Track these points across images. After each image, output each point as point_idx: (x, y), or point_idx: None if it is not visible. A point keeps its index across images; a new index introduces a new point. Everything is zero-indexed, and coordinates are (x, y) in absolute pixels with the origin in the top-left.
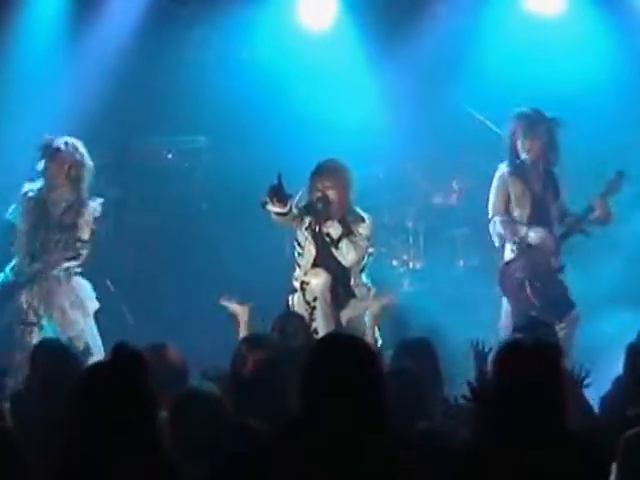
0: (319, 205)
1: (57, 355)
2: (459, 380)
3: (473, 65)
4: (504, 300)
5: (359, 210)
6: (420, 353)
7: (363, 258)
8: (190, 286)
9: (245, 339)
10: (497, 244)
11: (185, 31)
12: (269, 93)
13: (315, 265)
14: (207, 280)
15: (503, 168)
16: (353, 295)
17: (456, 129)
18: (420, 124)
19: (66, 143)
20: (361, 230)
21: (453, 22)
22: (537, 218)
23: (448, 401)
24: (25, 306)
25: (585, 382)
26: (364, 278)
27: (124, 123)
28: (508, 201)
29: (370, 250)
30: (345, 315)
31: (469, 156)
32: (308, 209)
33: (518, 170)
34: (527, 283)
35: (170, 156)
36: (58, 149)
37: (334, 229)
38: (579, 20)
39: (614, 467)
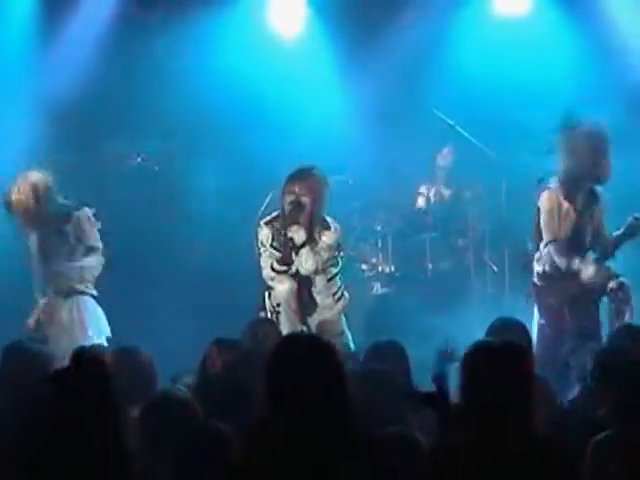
0: (289, 208)
1: (26, 359)
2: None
3: (443, 69)
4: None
5: (329, 219)
6: (390, 356)
7: (326, 267)
8: (160, 288)
9: (215, 341)
10: (538, 269)
11: (154, 37)
12: (239, 97)
13: (285, 263)
14: (178, 282)
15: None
16: (316, 303)
17: (426, 134)
18: (390, 129)
19: (18, 190)
20: (325, 239)
21: (422, 26)
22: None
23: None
24: None
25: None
26: (334, 286)
27: (94, 127)
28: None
29: (341, 254)
30: (314, 320)
31: (445, 153)
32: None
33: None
34: (565, 309)
35: (140, 160)
36: (10, 203)
37: (298, 235)
38: (546, 20)
39: (584, 469)
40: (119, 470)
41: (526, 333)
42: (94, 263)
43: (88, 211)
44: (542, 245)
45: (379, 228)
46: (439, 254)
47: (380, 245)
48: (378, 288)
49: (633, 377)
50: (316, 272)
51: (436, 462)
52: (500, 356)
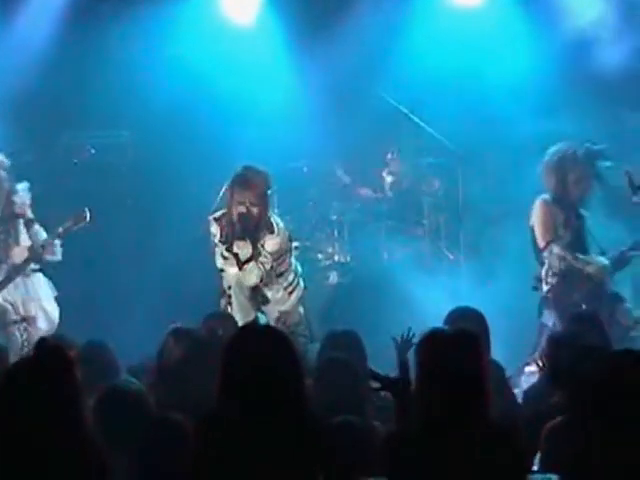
0: (239, 221)
1: None
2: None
3: (397, 58)
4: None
5: (274, 219)
6: (347, 345)
7: (271, 273)
8: (115, 280)
9: (172, 332)
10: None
11: (107, 26)
12: (192, 87)
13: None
14: (132, 275)
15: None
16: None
17: (380, 122)
18: (345, 117)
19: None
20: (268, 247)
21: (377, 14)
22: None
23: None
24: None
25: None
26: (285, 281)
27: (47, 118)
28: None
29: (295, 246)
30: (272, 312)
31: (393, 149)
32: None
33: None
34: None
35: (94, 151)
36: None
37: (243, 252)
38: (499, 9)
39: (537, 455)
40: (80, 459)
41: (482, 321)
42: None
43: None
44: (546, 251)
45: (334, 217)
46: (395, 243)
47: (336, 234)
48: (334, 277)
49: (583, 364)
50: (261, 281)
51: (392, 448)
52: (453, 344)
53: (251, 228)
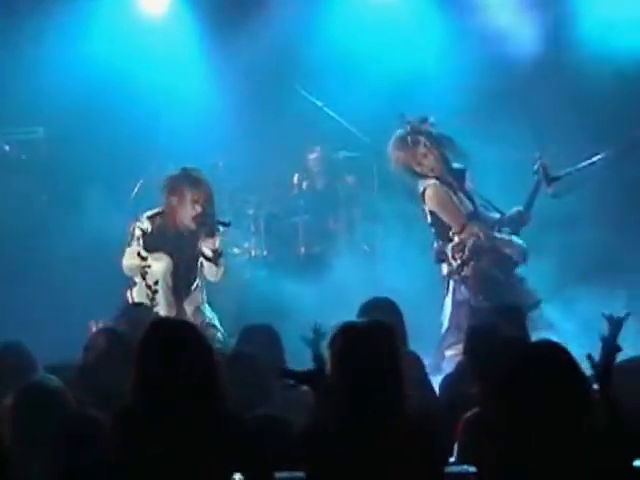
0: (199, 220)
1: None
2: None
3: (311, 50)
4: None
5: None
6: (263, 339)
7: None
8: (30, 277)
9: (93, 329)
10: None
11: (21, 22)
12: (107, 82)
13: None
14: (47, 272)
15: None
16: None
17: (296, 115)
18: (260, 110)
19: None
20: (216, 247)
21: (290, 7)
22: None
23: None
24: None
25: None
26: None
27: None
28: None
29: None
30: (189, 307)
31: (310, 143)
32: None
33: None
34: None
35: (7, 148)
36: None
37: (214, 246)
38: (415, 3)
39: (456, 446)
40: None
41: (397, 311)
42: None
43: None
44: (460, 232)
45: (251, 212)
46: (312, 237)
47: (252, 229)
48: (251, 272)
49: (500, 356)
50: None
51: (309, 442)
52: (366, 336)
53: (212, 225)
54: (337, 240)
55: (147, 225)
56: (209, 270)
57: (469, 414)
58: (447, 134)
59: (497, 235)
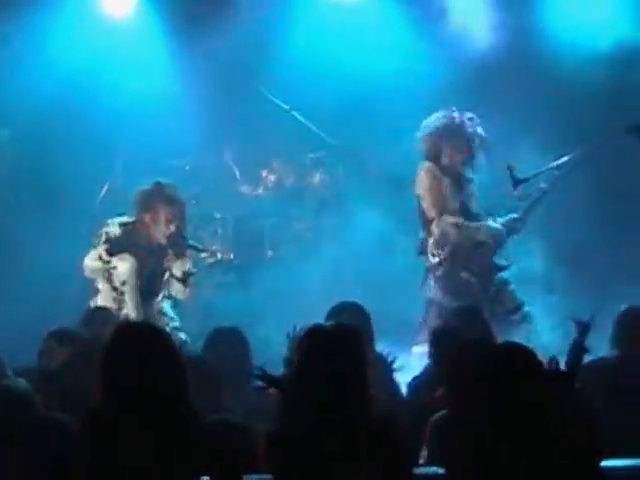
0: (173, 239)
1: None
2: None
3: (276, 53)
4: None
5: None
6: (230, 343)
7: None
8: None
9: (52, 333)
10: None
11: None
12: (72, 84)
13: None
14: (16, 275)
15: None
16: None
17: (263, 119)
18: (227, 113)
19: None
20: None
21: (256, 9)
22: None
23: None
24: None
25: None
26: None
27: None
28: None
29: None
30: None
31: (277, 146)
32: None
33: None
34: (475, 281)
35: None
36: None
37: (184, 268)
38: (379, 6)
39: (424, 448)
40: None
41: (364, 315)
42: None
43: None
44: (436, 221)
45: (218, 215)
46: (279, 240)
47: (219, 232)
48: (218, 276)
49: (465, 358)
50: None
51: (273, 447)
52: (332, 340)
53: (184, 246)
54: (304, 242)
55: (117, 231)
56: (177, 289)
57: (437, 416)
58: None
59: (471, 224)
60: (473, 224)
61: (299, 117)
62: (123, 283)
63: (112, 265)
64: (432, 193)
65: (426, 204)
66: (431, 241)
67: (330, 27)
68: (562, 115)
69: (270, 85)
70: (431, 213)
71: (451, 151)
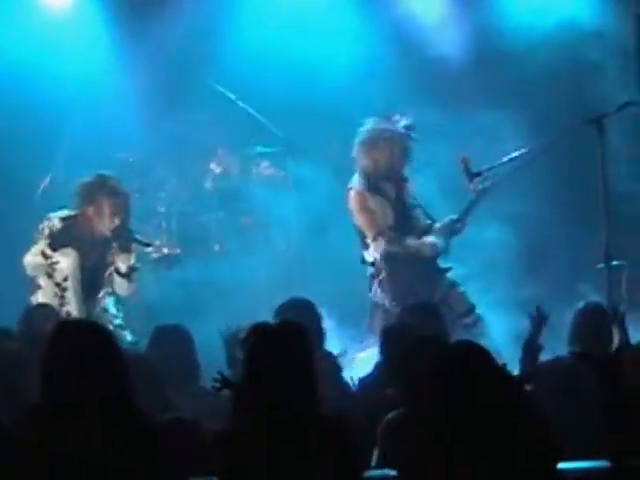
0: (117, 232)
1: None
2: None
3: (223, 43)
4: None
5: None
6: (175, 341)
7: None
8: None
9: None
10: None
11: None
12: (13, 77)
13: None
14: None
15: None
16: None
17: (209, 110)
18: (171, 105)
19: None
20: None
21: (202, 1)
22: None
23: (204, 389)
24: None
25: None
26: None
27: None
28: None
29: None
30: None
31: (224, 137)
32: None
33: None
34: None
35: None
36: None
37: (129, 262)
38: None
39: (375, 449)
40: None
41: (314, 312)
42: None
43: None
44: (371, 242)
45: (162, 209)
46: (226, 234)
47: (164, 226)
48: (163, 271)
49: (416, 357)
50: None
51: (221, 448)
52: (278, 337)
53: (129, 240)
54: (253, 237)
55: (58, 225)
56: (120, 284)
57: (389, 416)
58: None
59: (410, 242)
60: (411, 244)
61: (247, 108)
62: (65, 279)
63: (54, 260)
64: (363, 214)
65: (360, 223)
66: (367, 251)
67: (277, 17)
68: (522, 108)
69: (216, 75)
70: (367, 232)
71: (385, 158)
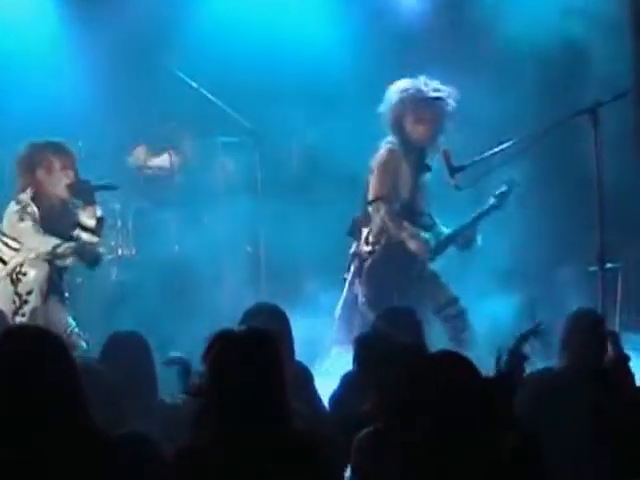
0: (77, 187)
1: None
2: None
3: (186, 28)
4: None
5: None
6: (130, 349)
7: None
8: None
9: None
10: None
11: None
12: None
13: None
14: None
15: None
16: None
17: (170, 97)
18: (127, 91)
19: None
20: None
21: None
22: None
23: (164, 402)
24: None
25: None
26: None
27: None
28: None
29: None
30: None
31: (184, 127)
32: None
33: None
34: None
35: None
36: None
37: (96, 214)
38: None
39: (349, 466)
40: None
41: (283, 318)
42: None
43: None
44: (372, 206)
45: (117, 206)
46: (187, 232)
47: (119, 225)
48: (117, 274)
49: (396, 366)
50: None
51: (181, 464)
52: (243, 346)
53: (89, 190)
54: (216, 235)
55: (31, 208)
56: (87, 238)
57: (364, 432)
58: None
59: (405, 225)
60: (411, 230)
61: (210, 96)
62: (29, 292)
63: (22, 270)
64: (385, 174)
65: (374, 181)
66: (369, 229)
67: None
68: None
69: (176, 60)
70: (376, 192)
71: (416, 123)
